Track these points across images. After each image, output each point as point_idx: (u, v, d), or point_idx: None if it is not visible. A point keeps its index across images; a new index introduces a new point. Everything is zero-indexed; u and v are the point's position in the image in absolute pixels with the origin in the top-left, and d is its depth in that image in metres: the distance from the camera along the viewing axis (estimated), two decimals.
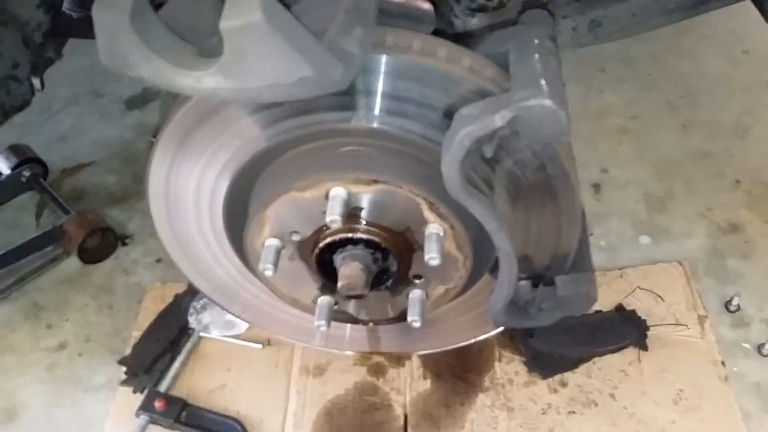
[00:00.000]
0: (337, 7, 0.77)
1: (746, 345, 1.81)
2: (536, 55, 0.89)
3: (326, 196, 0.99)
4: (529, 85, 0.85)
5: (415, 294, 1.05)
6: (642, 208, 2.15)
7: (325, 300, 1.05)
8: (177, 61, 0.73)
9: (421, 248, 1.00)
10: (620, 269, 1.96)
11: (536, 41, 0.93)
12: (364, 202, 1.01)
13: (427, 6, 0.97)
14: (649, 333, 1.80)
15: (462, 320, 1.22)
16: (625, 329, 1.80)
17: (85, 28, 1.20)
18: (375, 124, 0.96)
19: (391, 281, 1.08)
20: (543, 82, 0.84)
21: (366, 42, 0.79)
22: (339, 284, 1.03)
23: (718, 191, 2.18)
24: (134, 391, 1.79)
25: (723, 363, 1.74)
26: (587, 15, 1.57)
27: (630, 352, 1.78)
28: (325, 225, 1.00)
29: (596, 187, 2.23)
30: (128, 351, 1.89)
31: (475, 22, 1.49)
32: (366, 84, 0.93)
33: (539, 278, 1.10)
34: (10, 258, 2.09)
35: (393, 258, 1.05)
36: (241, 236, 1.07)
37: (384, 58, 0.92)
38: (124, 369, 1.85)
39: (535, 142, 0.86)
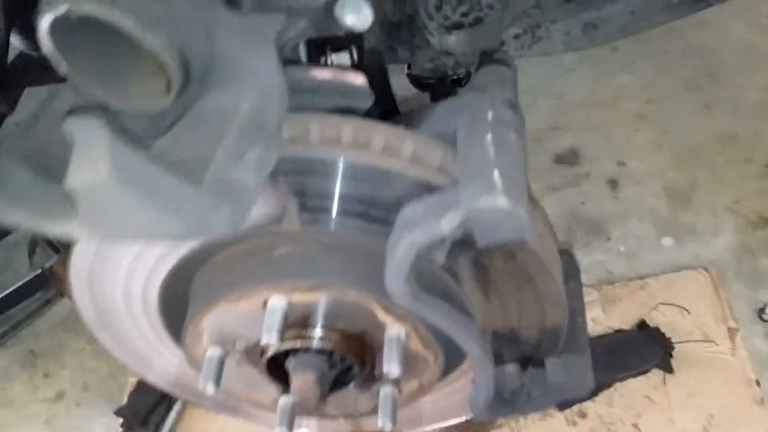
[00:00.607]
0: (228, 123, 0.63)
1: None
2: (489, 136, 0.74)
3: (264, 305, 0.87)
4: (479, 178, 0.70)
5: (386, 391, 0.93)
6: (663, 205, 1.98)
7: (286, 402, 0.93)
8: (39, 210, 0.62)
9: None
10: (641, 279, 1.81)
11: (490, 114, 0.77)
12: (309, 309, 0.88)
13: (360, 81, 0.83)
14: (674, 352, 1.65)
15: (451, 397, 1.10)
16: (649, 350, 1.66)
17: (43, 72, 1.07)
18: (308, 226, 0.82)
19: (355, 381, 0.96)
20: (496, 173, 0.70)
21: (266, 163, 0.65)
22: (291, 398, 0.91)
23: (747, 179, 1.99)
24: None
25: (758, 382, 1.59)
26: (580, 18, 1.40)
27: (654, 375, 1.64)
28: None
29: (613, 184, 2.06)
30: (125, 398, 1.82)
31: (453, 40, 1.34)
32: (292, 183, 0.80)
33: (527, 360, 0.97)
34: (3, 306, 2.03)
35: (353, 360, 0.92)
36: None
37: (308, 156, 0.78)
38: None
39: (494, 243, 0.72)
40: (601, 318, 1.74)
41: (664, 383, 1.62)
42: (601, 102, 2.26)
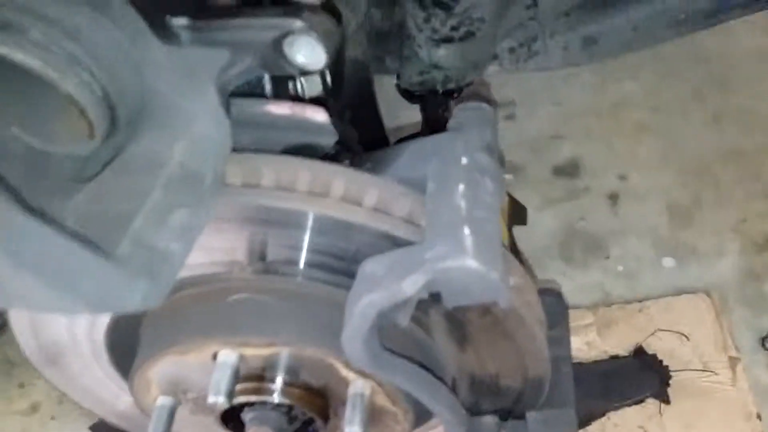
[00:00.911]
0: (156, 176, 0.55)
1: None
2: (461, 187, 0.66)
3: (214, 358, 0.79)
4: (447, 235, 0.62)
5: None
6: (665, 223, 1.90)
7: None
8: None
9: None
10: (640, 302, 1.72)
11: (464, 160, 0.69)
12: (265, 362, 0.80)
13: (321, 118, 0.74)
14: (672, 381, 1.57)
15: None
16: (645, 378, 1.58)
17: None
18: (263, 275, 0.75)
19: None
20: (467, 230, 0.62)
21: (194, 227, 0.57)
22: None
23: (753, 198, 1.90)
24: None
25: (759, 416, 1.51)
26: (579, 31, 1.32)
27: (650, 405, 1.56)
28: None
29: (613, 198, 1.98)
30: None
31: (443, 54, 1.26)
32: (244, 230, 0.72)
33: (508, 412, 0.89)
34: None
35: (314, 416, 0.85)
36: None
37: (261, 204, 0.70)
38: None
39: (464, 305, 0.65)
40: (597, 342, 1.67)
41: (660, 414, 1.55)
42: (604, 110, 2.18)
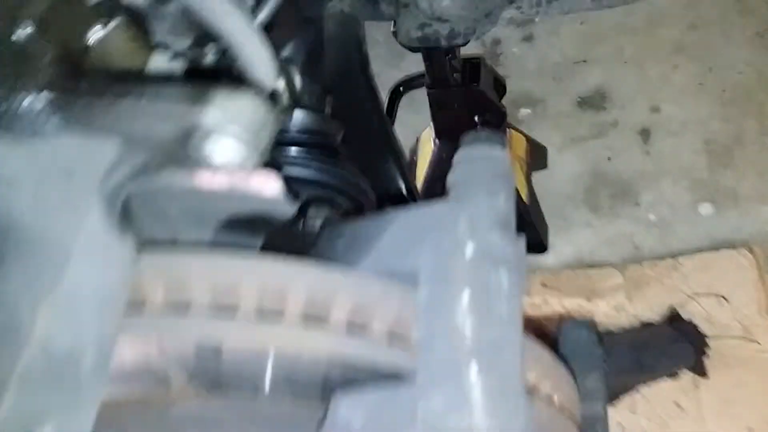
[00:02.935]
0: (10, 362, 0.36)
1: None
2: (465, 296, 0.48)
3: None
4: (446, 378, 0.45)
5: None
6: (703, 162, 1.71)
7: None
8: None
9: None
10: (673, 258, 1.56)
11: (470, 250, 0.49)
12: None
13: (270, 191, 0.54)
14: (709, 350, 1.44)
15: None
16: (680, 349, 1.44)
17: None
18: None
19: None
20: (474, 370, 0.44)
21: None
22: None
23: None
24: None
25: None
26: None
27: (685, 377, 1.44)
28: None
29: (644, 134, 1.78)
30: None
31: (447, 5, 1.04)
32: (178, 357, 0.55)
33: None
34: None
35: None
36: None
37: (195, 332, 0.51)
38: None
39: None
40: (626, 305, 1.53)
41: (696, 387, 1.43)
42: (636, 29, 1.93)
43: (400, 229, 0.55)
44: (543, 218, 1.65)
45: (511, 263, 0.51)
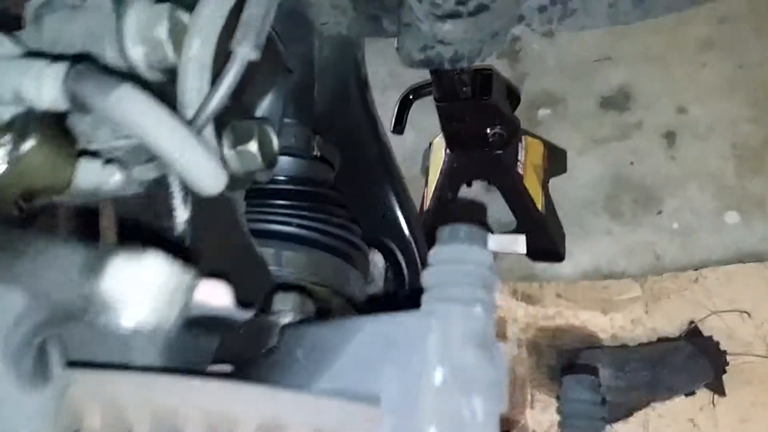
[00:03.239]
0: None
1: None
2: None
3: None
4: None
5: None
6: (730, 167, 1.64)
7: None
8: None
9: None
10: (695, 270, 1.51)
11: (438, 377, 0.44)
12: None
13: (218, 300, 0.51)
14: (728, 366, 1.39)
15: None
16: (698, 366, 1.40)
17: None
18: None
19: None
20: None
21: None
22: None
23: None
24: None
25: None
26: None
27: (702, 393, 1.40)
28: None
29: (670, 138, 1.71)
30: None
31: (449, 29, 1.00)
32: None
33: None
34: None
35: None
36: None
37: None
38: None
39: None
40: (644, 319, 1.48)
41: (713, 404, 1.38)
42: (662, 24, 1.85)
43: (365, 343, 0.50)
44: (560, 226, 1.60)
45: (486, 388, 0.47)
